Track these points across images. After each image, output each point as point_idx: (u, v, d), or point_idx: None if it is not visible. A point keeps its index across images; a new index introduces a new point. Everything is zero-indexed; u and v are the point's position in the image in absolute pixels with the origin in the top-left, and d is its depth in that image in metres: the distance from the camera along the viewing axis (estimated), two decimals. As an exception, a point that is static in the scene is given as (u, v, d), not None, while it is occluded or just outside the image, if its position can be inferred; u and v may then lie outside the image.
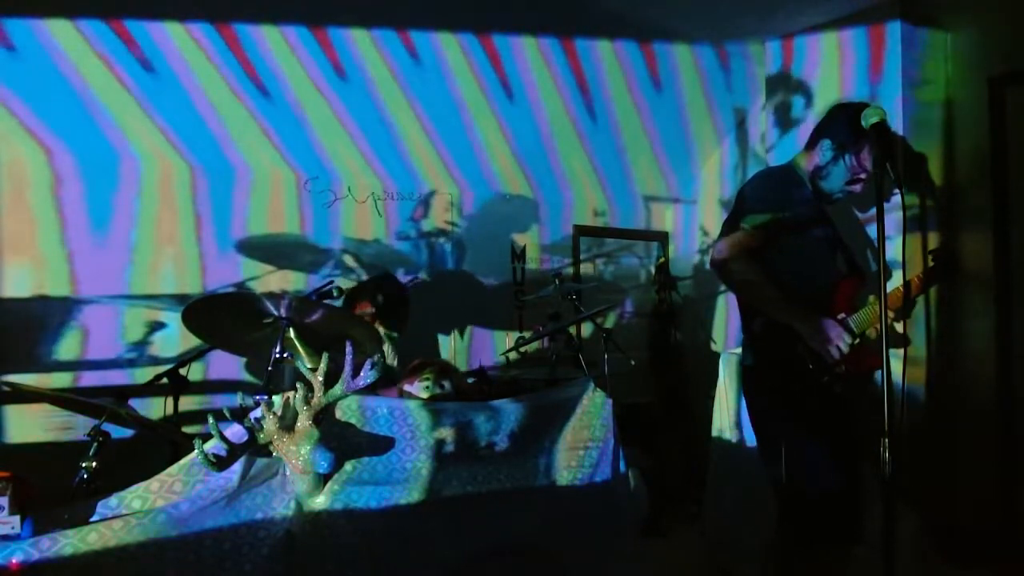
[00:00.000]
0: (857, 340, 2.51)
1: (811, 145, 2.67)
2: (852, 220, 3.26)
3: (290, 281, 3.81)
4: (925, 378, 3.28)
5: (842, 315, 2.52)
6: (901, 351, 2.90)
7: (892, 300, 2.67)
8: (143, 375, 3.37)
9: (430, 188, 4.21)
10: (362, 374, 1.82)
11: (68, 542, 1.62)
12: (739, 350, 3.06)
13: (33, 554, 1.59)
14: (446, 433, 2.02)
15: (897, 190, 2.38)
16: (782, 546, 2.61)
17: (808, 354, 2.46)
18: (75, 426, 3.21)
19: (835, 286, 2.58)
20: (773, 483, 2.59)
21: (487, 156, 4.22)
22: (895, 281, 2.95)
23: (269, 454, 1.83)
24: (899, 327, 2.95)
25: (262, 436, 1.79)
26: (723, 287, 4.50)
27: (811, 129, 2.75)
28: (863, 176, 2.56)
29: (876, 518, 1.95)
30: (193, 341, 2.92)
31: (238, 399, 1.86)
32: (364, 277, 3.90)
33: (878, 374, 2.53)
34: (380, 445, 1.94)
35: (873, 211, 2.15)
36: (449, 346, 4.15)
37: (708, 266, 2.87)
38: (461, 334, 4.23)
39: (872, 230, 3.00)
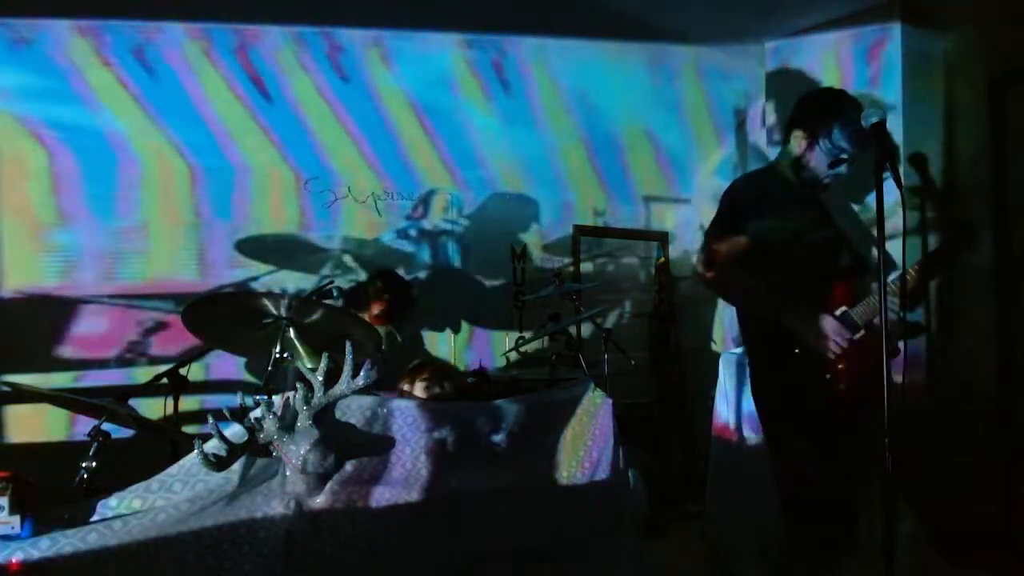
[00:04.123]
0: (862, 332, 2.48)
1: (785, 140, 2.68)
2: (850, 213, 3.23)
3: (290, 281, 3.81)
4: (925, 378, 3.28)
5: (843, 308, 2.50)
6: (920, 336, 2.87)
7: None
8: (143, 375, 3.37)
9: (430, 188, 4.21)
10: (362, 374, 1.82)
11: (68, 542, 1.62)
12: (739, 350, 3.06)
13: (33, 554, 1.59)
14: (446, 433, 2.02)
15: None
16: (786, 549, 2.59)
17: (805, 352, 2.44)
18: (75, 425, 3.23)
19: (834, 280, 2.57)
20: (781, 485, 2.58)
21: (487, 156, 4.22)
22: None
23: (269, 454, 1.83)
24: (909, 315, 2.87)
25: (262, 436, 1.79)
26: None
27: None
28: (844, 157, 2.54)
29: (876, 518, 1.95)
30: (193, 341, 2.92)
31: (238, 399, 1.86)
32: (364, 277, 3.89)
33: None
34: (380, 445, 1.94)
35: (870, 203, 2.15)
36: (449, 346, 4.15)
37: (698, 281, 2.85)
38: (458, 333, 4.23)
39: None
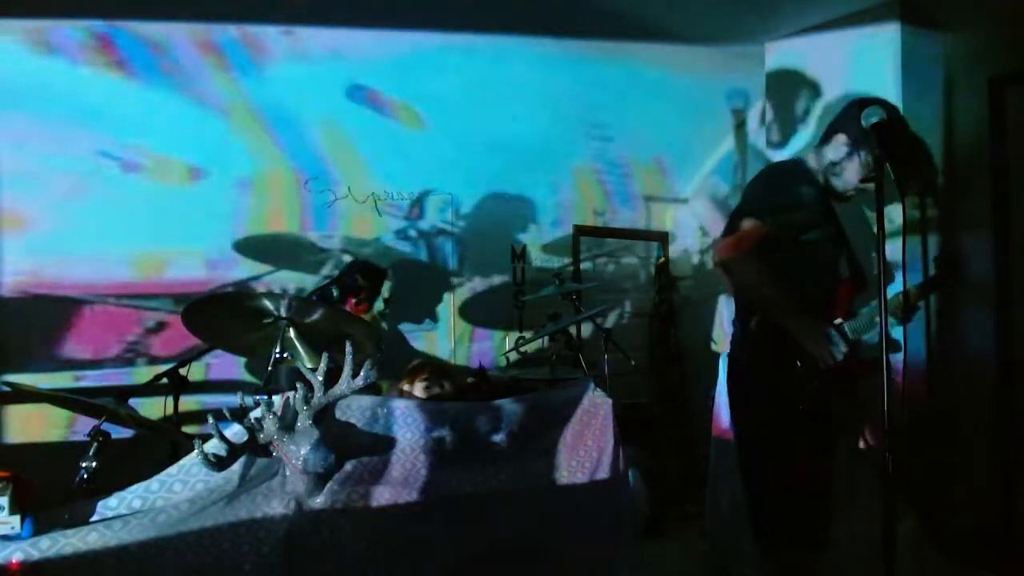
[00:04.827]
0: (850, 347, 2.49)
1: (825, 140, 2.58)
2: (862, 219, 3.23)
3: (290, 281, 3.81)
4: (925, 378, 3.28)
5: (839, 320, 2.48)
6: (898, 354, 2.87)
7: (892, 306, 2.60)
8: (143, 375, 3.37)
9: (430, 188, 4.21)
10: (362, 374, 1.82)
11: (68, 542, 1.62)
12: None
13: (33, 554, 1.59)
14: (446, 433, 2.02)
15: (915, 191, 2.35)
16: (765, 544, 2.61)
17: (800, 357, 2.43)
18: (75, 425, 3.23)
19: (836, 289, 2.55)
20: (745, 479, 2.58)
21: (486, 156, 4.22)
22: (896, 283, 2.93)
23: (269, 454, 1.83)
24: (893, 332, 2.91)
25: (262, 436, 1.79)
26: (723, 287, 4.50)
27: (812, 129, 2.73)
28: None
29: (876, 518, 1.95)
30: (193, 341, 2.92)
31: (238, 399, 1.86)
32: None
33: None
34: (380, 445, 1.94)
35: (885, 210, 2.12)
36: (449, 346, 4.15)
37: (712, 264, 2.81)
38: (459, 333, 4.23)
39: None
